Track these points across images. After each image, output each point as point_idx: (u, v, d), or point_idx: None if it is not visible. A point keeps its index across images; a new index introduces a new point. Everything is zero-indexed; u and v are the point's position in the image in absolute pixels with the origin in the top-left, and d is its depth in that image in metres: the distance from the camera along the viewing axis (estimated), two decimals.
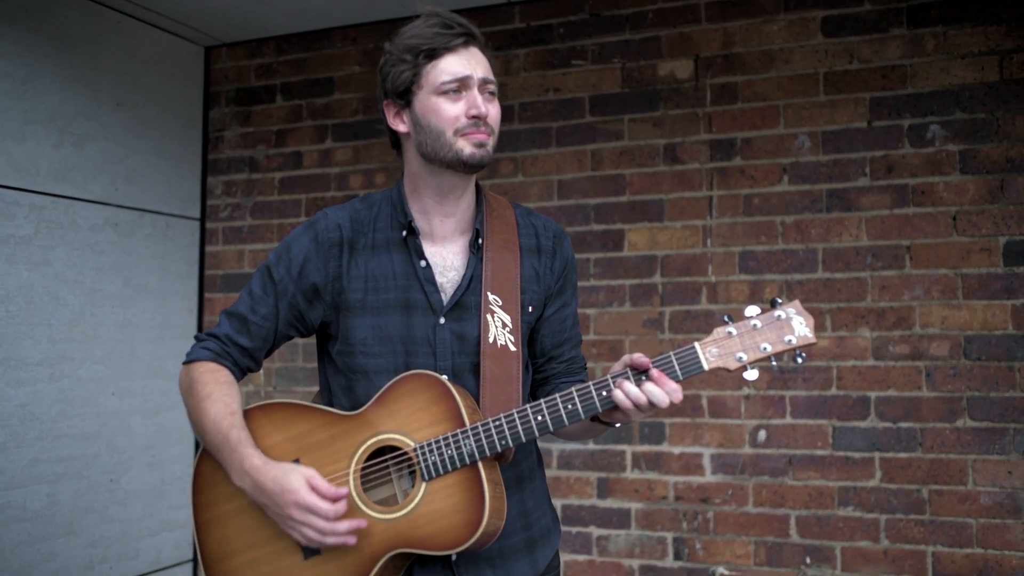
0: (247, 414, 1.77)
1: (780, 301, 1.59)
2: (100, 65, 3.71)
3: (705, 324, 3.39)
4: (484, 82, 1.71)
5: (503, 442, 1.62)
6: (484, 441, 1.62)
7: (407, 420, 1.67)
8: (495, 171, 3.69)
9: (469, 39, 1.72)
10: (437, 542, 1.62)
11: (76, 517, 3.50)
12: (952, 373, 3.09)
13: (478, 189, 1.84)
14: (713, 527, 3.34)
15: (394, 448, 1.68)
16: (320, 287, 1.76)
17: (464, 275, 1.76)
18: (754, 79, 3.40)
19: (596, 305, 3.53)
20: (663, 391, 1.56)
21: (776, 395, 3.28)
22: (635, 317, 3.49)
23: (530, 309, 1.80)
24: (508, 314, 1.75)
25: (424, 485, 1.64)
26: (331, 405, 1.83)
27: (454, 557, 1.71)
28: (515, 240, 1.81)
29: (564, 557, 3.46)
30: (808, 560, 3.22)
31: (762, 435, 3.30)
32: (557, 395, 1.63)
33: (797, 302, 1.61)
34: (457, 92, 1.69)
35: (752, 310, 1.59)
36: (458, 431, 1.63)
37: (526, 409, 1.63)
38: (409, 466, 1.67)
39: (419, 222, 1.78)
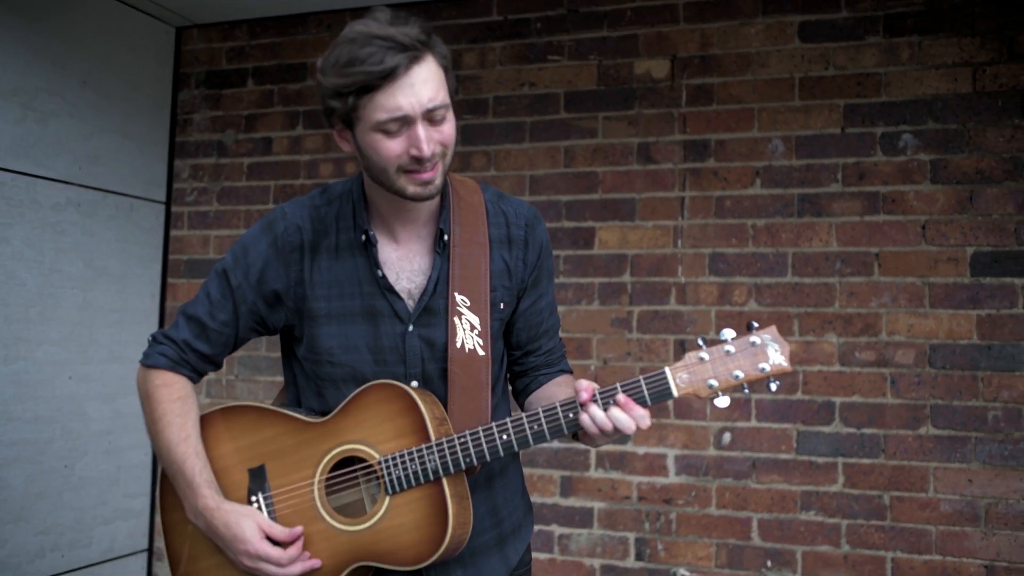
0: (213, 417, 1.74)
1: (756, 325, 1.55)
2: (68, 41, 3.61)
3: (673, 325, 3.38)
4: (429, 112, 1.52)
5: (467, 460, 1.59)
6: (448, 458, 1.59)
7: (373, 431, 1.63)
8: (467, 164, 3.66)
9: (413, 57, 1.50)
10: (400, 556, 1.60)
11: (28, 503, 3.41)
12: (916, 381, 3.11)
13: None
14: (675, 528, 3.33)
15: (360, 459, 1.65)
16: (282, 293, 1.71)
17: (430, 277, 1.69)
18: (730, 81, 3.40)
19: (565, 303, 3.51)
20: (629, 417, 1.54)
21: (742, 398, 3.28)
22: (603, 316, 3.48)
23: (501, 306, 1.75)
24: (477, 315, 1.69)
25: (388, 499, 1.61)
26: (298, 402, 1.79)
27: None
28: (484, 231, 1.74)
29: None
30: (769, 563, 3.22)
31: (727, 437, 3.30)
32: (524, 415, 1.60)
33: (774, 328, 1.56)
34: (398, 130, 1.52)
35: (727, 333, 1.54)
36: (423, 446, 1.60)
37: (492, 428, 1.60)
38: (376, 475, 1.64)
39: (378, 228, 1.71)
